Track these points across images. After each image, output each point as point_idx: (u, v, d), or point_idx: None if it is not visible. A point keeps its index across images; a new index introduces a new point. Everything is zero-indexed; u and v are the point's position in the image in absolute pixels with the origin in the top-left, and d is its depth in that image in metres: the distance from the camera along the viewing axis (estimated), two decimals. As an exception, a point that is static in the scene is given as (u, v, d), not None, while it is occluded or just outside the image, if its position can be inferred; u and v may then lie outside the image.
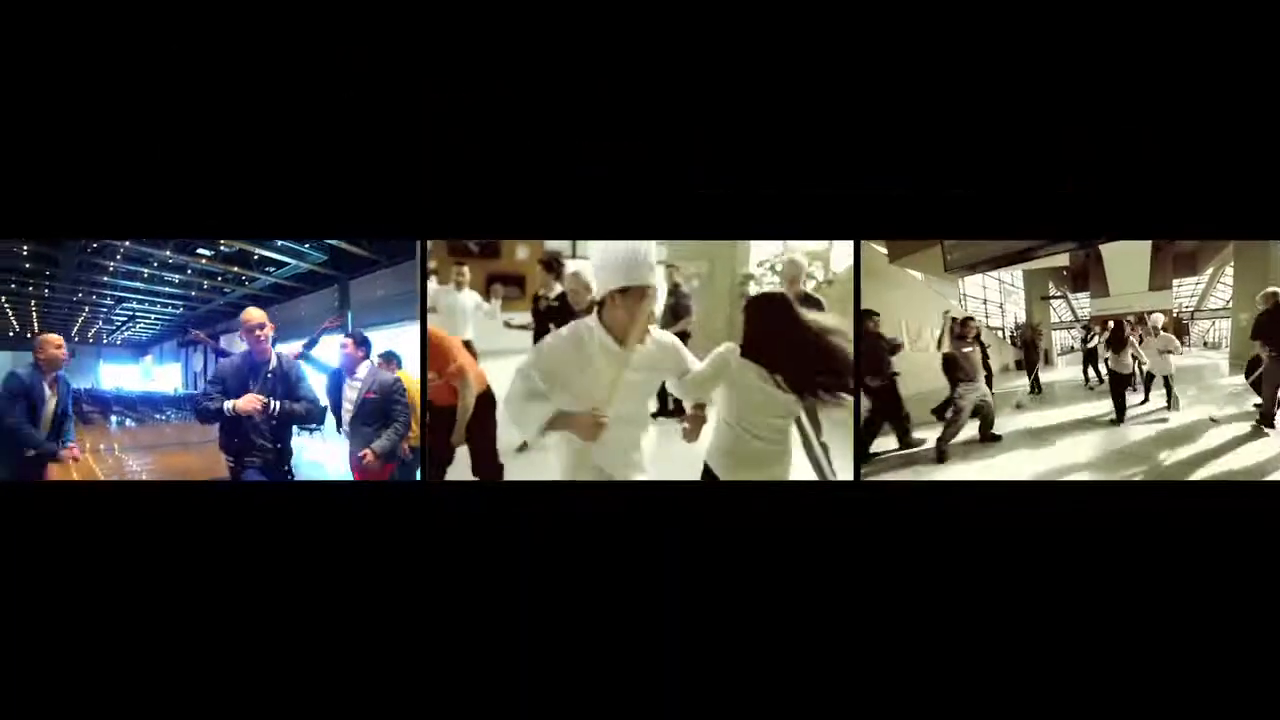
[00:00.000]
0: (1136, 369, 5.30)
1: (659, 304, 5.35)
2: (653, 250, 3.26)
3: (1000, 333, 5.58)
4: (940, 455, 4.91)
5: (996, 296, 5.59)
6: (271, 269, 5.66)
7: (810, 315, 3.55)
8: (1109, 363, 5.35)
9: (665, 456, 4.55)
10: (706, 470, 3.72)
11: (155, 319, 5.95)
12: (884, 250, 4.87)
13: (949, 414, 4.98)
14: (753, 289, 6.27)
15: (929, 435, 5.02)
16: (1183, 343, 5.25)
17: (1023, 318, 5.71)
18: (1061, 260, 5.32)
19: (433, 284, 4.31)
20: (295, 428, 4.52)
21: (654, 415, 4.08)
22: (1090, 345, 5.53)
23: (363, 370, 4.68)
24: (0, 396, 4.10)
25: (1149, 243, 4.92)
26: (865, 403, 4.76)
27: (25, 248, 4.76)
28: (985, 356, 5.19)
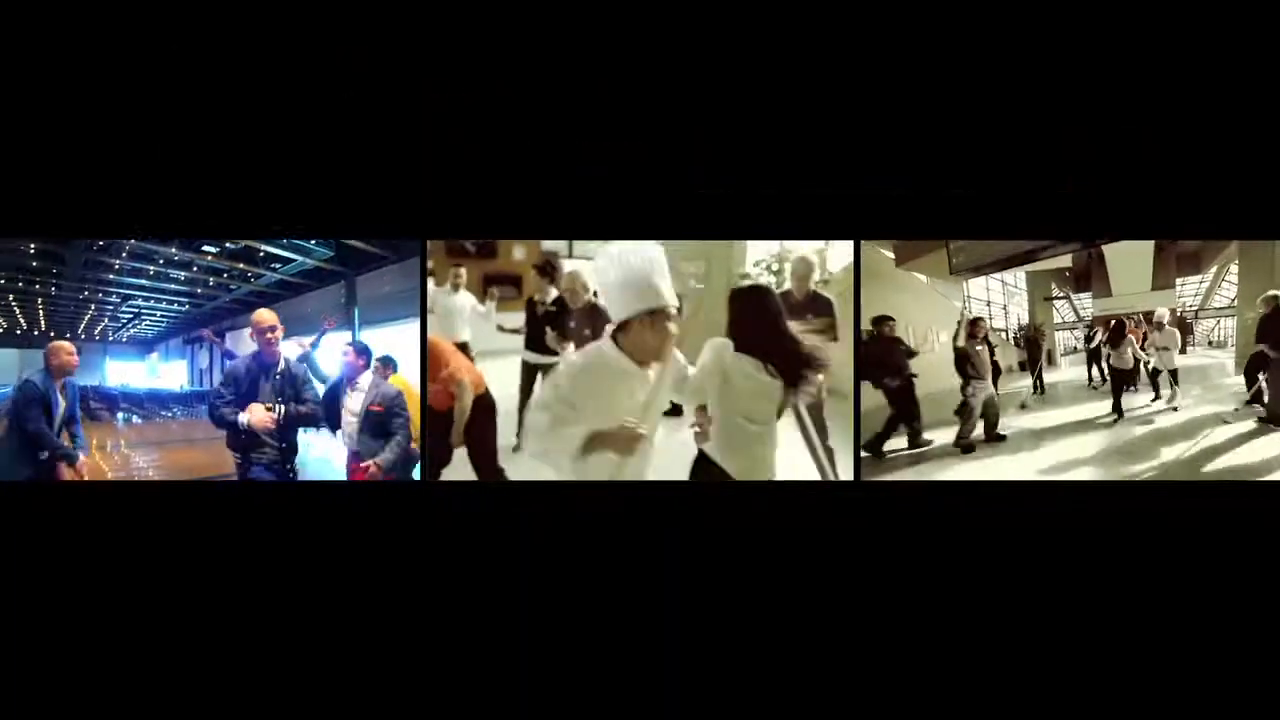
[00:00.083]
0: (1144, 366, 5.30)
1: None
2: (666, 268, 3.09)
3: (1004, 334, 5.56)
4: (966, 449, 4.93)
5: (1000, 298, 5.58)
6: (277, 265, 5.65)
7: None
8: (1110, 360, 5.35)
9: (664, 456, 4.54)
10: (701, 458, 3.67)
11: (161, 316, 5.96)
12: (891, 254, 4.85)
13: (962, 411, 5.00)
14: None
15: (935, 436, 5.00)
16: (1187, 341, 5.24)
17: (1026, 319, 5.70)
18: (1064, 261, 5.29)
19: (430, 285, 4.29)
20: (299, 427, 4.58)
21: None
22: (1093, 345, 5.52)
23: (364, 380, 4.68)
24: (18, 401, 4.16)
25: (1151, 242, 4.90)
26: (882, 402, 4.84)
27: (32, 246, 4.78)
28: (992, 356, 5.20)
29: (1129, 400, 5.27)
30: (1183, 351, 5.22)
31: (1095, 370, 5.56)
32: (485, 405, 4.88)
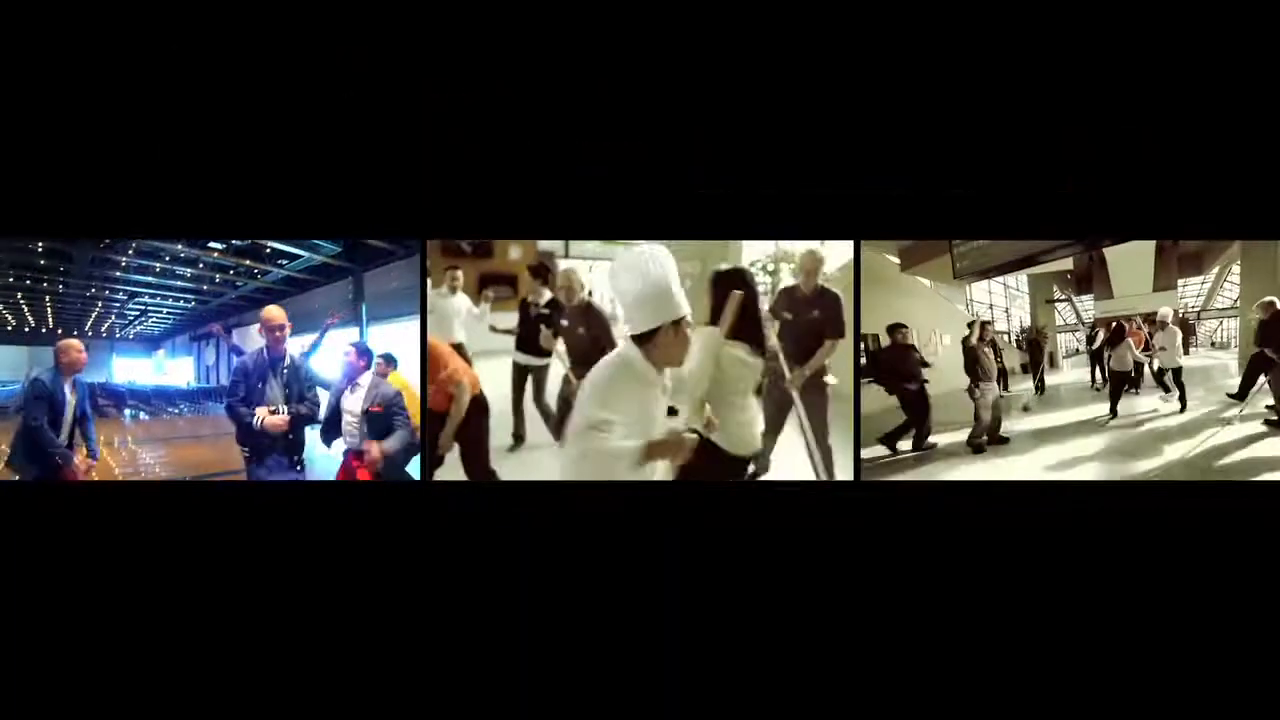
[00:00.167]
0: (1149, 367, 5.27)
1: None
2: (676, 276, 3.07)
3: (1005, 336, 5.54)
4: (977, 449, 4.93)
5: (1002, 301, 5.56)
6: (284, 262, 5.63)
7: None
8: (1110, 361, 5.34)
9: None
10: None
11: (168, 313, 5.94)
12: (896, 260, 4.88)
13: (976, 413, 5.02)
14: None
15: (939, 438, 5.00)
16: (1189, 342, 5.20)
17: (1027, 321, 5.68)
18: (1066, 264, 5.28)
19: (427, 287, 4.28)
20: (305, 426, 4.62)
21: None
22: (1095, 347, 5.49)
23: (364, 379, 4.67)
24: (27, 399, 4.17)
25: (1152, 244, 4.88)
26: (888, 404, 4.85)
27: (39, 244, 4.78)
28: (999, 358, 5.22)
29: (1133, 403, 5.24)
30: (1185, 352, 5.18)
31: (1099, 372, 5.54)
32: (480, 406, 4.87)
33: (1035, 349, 5.66)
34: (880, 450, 4.74)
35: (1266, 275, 4.60)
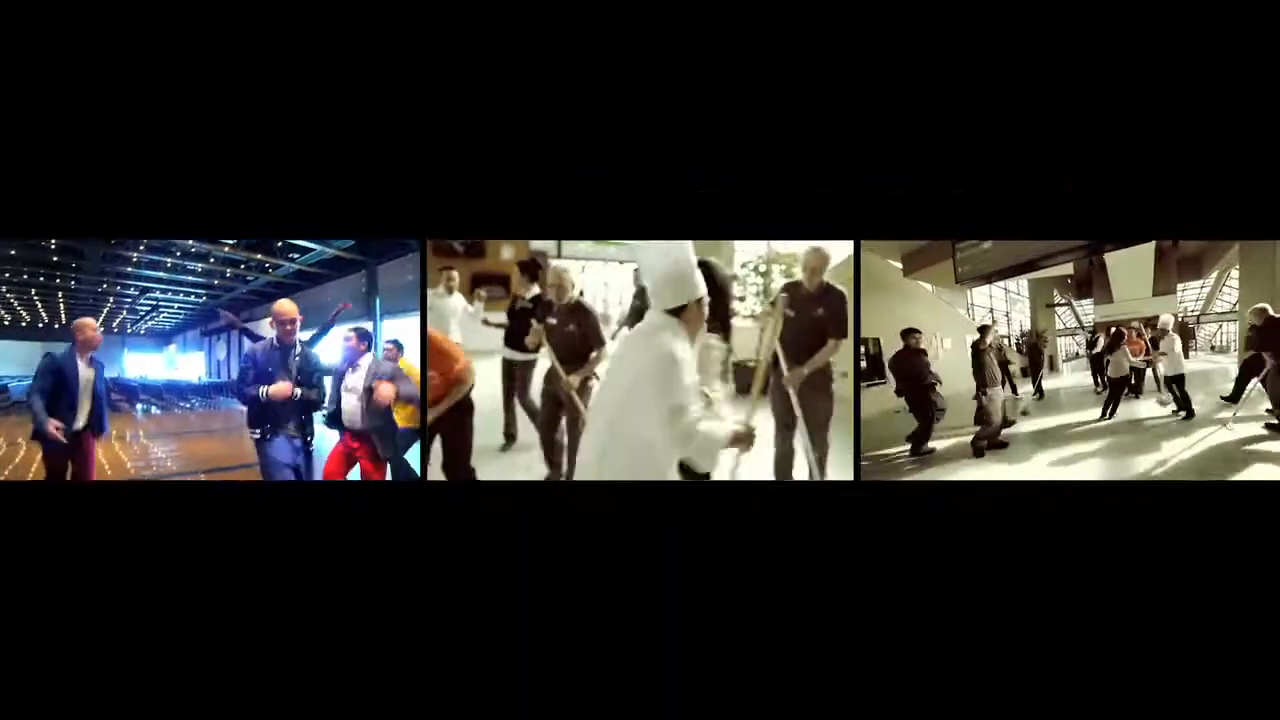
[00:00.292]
0: (1153, 372, 5.24)
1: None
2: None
3: (1006, 340, 5.49)
4: (977, 452, 4.87)
5: (1003, 305, 5.51)
6: (295, 255, 5.62)
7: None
8: (1108, 366, 5.31)
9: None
10: None
11: (179, 308, 5.95)
12: (899, 265, 4.82)
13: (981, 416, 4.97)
14: (736, 289, 6.24)
15: (941, 440, 4.95)
16: (1189, 346, 5.14)
17: (1028, 325, 5.62)
18: (1066, 268, 5.22)
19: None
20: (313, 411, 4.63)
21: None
22: (1096, 351, 5.45)
23: (365, 360, 4.68)
24: (36, 372, 4.29)
25: (1152, 248, 4.84)
26: (892, 407, 4.80)
27: (51, 242, 4.82)
28: (1005, 362, 5.21)
29: (1132, 408, 5.21)
30: (1185, 356, 5.12)
31: (1099, 376, 5.48)
32: (466, 405, 4.82)
33: (1035, 353, 5.60)
34: (881, 451, 4.65)
35: (1265, 279, 4.54)
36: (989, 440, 4.91)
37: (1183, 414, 4.99)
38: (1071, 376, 5.74)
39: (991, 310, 5.40)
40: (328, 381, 4.67)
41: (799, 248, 4.69)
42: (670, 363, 3.02)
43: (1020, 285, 5.52)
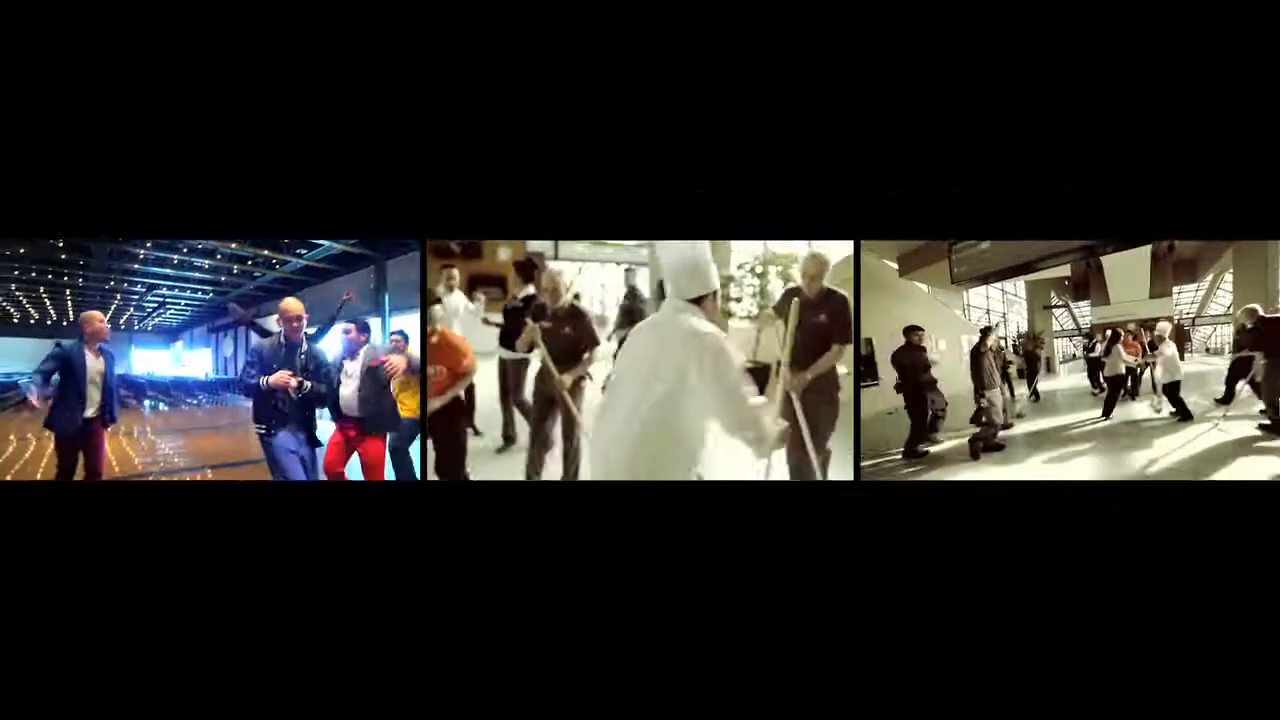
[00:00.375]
0: (1149, 375, 5.19)
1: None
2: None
3: (1003, 341, 5.44)
4: (974, 454, 4.81)
5: (999, 306, 5.47)
6: (303, 251, 5.55)
7: None
8: (1104, 366, 5.29)
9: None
10: None
11: (186, 305, 5.89)
12: (894, 265, 4.79)
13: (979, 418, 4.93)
14: (733, 290, 6.22)
15: (930, 447, 4.88)
16: (1184, 349, 5.11)
17: (1024, 327, 5.59)
18: (1063, 270, 5.19)
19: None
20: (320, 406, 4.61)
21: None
22: (1094, 354, 5.41)
23: (364, 351, 4.68)
24: (44, 359, 4.33)
25: (1148, 251, 4.80)
26: (887, 408, 4.74)
27: (60, 240, 4.83)
28: (1006, 364, 5.19)
29: (1128, 409, 5.20)
30: (1181, 358, 5.08)
31: (1096, 378, 5.47)
32: (457, 408, 4.80)
33: (1031, 356, 5.57)
34: (873, 455, 4.57)
35: (1258, 282, 4.56)
36: (985, 442, 4.83)
37: (1178, 418, 4.96)
38: (1068, 379, 5.71)
39: (989, 312, 5.37)
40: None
41: (796, 249, 4.63)
42: (717, 343, 2.95)
43: (1018, 287, 5.49)
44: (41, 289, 5.02)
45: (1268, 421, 4.47)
